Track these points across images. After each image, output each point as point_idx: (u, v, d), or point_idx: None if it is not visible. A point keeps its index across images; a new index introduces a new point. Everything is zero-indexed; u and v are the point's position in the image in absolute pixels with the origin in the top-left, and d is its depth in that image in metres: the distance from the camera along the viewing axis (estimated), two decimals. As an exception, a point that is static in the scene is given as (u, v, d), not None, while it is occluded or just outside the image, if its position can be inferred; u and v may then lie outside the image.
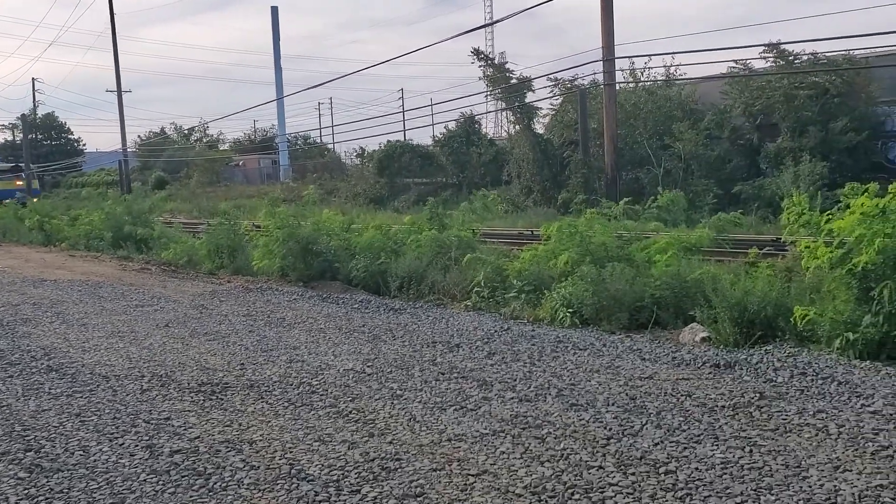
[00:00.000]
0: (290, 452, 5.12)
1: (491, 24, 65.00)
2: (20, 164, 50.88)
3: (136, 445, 5.37)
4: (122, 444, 5.42)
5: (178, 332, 9.35)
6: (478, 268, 10.97)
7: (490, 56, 28.04)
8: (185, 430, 5.67)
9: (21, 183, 47.08)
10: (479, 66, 27.00)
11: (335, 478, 4.67)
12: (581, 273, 9.35)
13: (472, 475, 4.62)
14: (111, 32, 44.80)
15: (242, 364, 7.62)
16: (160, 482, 4.72)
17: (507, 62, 27.76)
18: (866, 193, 7.16)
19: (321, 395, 6.45)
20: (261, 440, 5.39)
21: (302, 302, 11.35)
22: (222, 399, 6.44)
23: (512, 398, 6.11)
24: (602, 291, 8.88)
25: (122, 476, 4.84)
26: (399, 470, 4.75)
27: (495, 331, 8.75)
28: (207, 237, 16.37)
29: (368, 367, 7.30)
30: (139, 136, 72.70)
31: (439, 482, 4.55)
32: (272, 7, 59.60)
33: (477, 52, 26.79)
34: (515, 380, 6.65)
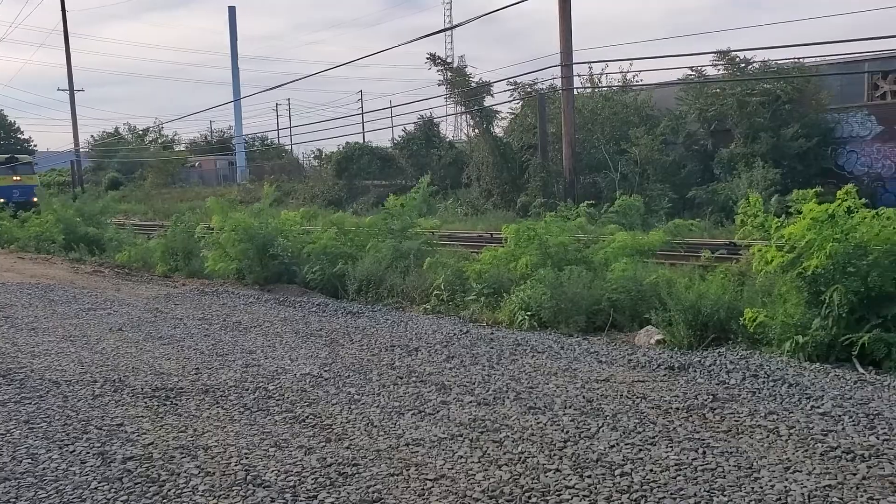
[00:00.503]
0: (246, 458, 5.06)
1: (452, 27, 65.15)
2: (16, 156, 42.71)
3: (88, 453, 5.26)
4: (73, 451, 5.30)
5: (131, 336, 9.18)
6: (437, 271, 10.98)
7: (448, 61, 28.03)
8: (138, 436, 5.57)
9: (13, 179, 38.38)
10: (437, 71, 27.03)
11: (291, 484, 4.63)
12: (539, 276, 9.42)
13: (430, 480, 4.61)
14: (63, 29, 43.94)
15: (197, 368, 7.51)
16: (112, 490, 4.62)
17: (466, 66, 27.80)
18: (814, 199, 7.33)
19: (277, 399, 6.38)
20: (216, 446, 5.31)
21: (258, 305, 11.24)
22: (177, 404, 6.34)
23: (470, 402, 6.12)
24: (560, 295, 8.95)
25: (73, 484, 4.73)
26: (356, 475, 4.72)
27: (454, 334, 8.76)
28: (162, 239, 16.12)
29: (326, 371, 7.25)
30: (92, 136, 71.26)
31: (397, 487, 4.54)
32: (229, 7, 59.05)
33: (433, 58, 26.77)
34: (474, 383, 6.66)
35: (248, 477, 4.74)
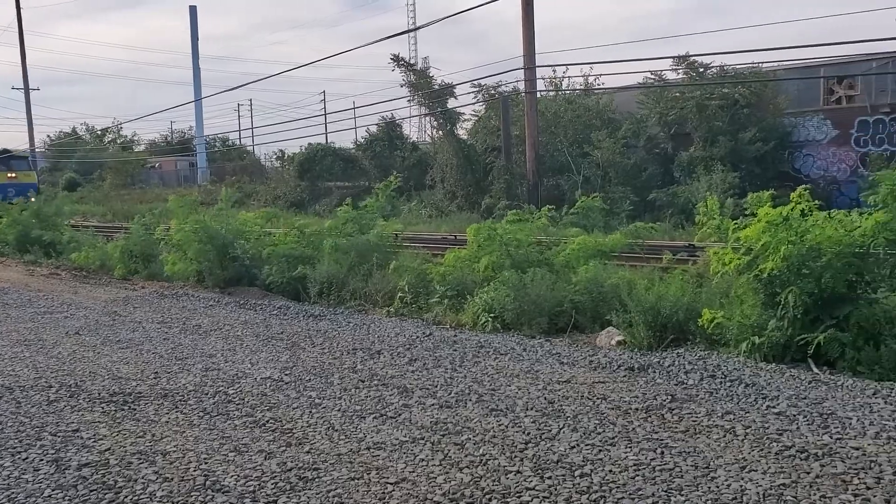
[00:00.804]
0: (206, 463, 5.00)
1: (415, 29, 65.13)
2: (10, 150, 37.61)
3: (42, 460, 5.16)
4: (26, 458, 5.19)
5: (88, 340, 9.03)
6: (401, 273, 10.96)
7: (411, 62, 28.01)
8: (94, 442, 5.47)
9: (9, 176, 33.66)
10: (401, 73, 27.00)
11: (251, 489, 4.58)
12: (503, 278, 9.46)
13: (391, 483, 4.61)
14: (18, 27, 43.08)
15: (156, 373, 7.41)
16: (66, 497, 4.54)
17: (429, 67, 27.83)
18: (769, 203, 7.46)
19: (238, 404, 6.32)
20: (175, 451, 5.24)
21: (218, 308, 11.12)
22: (135, 409, 6.25)
23: (432, 405, 6.13)
24: (523, 297, 8.99)
25: (26, 492, 4.63)
26: (317, 479, 4.69)
27: (417, 337, 8.76)
28: (121, 241, 15.89)
29: (287, 375, 7.20)
30: (49, 136, 69.87)
31: (357, 491, 4.52)
32: (191, 6, 58.14)
33: (397, 59, 26.73)
34: (436, 386, 6.66)
35: (208, 482, 4.69)
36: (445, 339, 8.62)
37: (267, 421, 5.85)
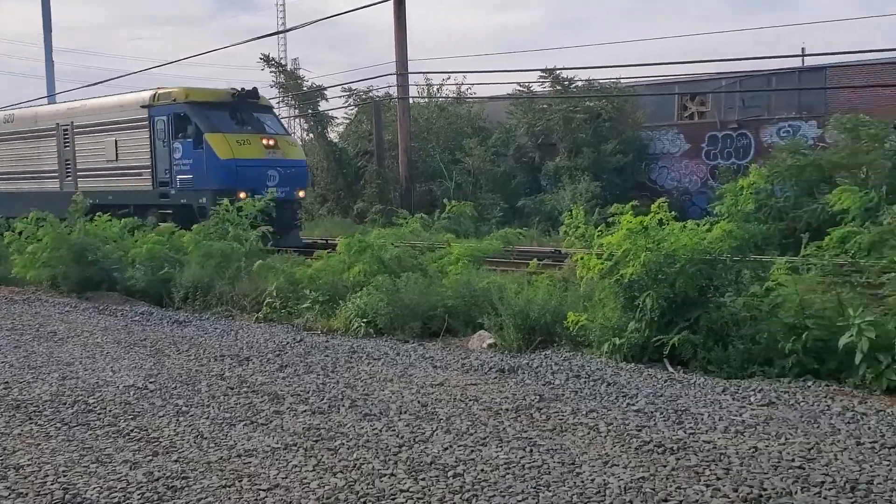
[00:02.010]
0: (65, 476, 4.76)
1: (287, 31, 63.84)
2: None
3: None
4: None
5: (-73, 350, 8.37)
6: (269, 277, 10.77)
7: (282, 63, 27.56)
8: (-64, 458, 5.09)
9: (267, 144, 17.17)
10: (270, 73, 26.54)
11: (116, 500, 4.40)
12: (376, 283, 9.47)
13: (263, 490, 4.54)
14: None
15: (6, 382, 6.96)
16: None
17: (299, 69, 27.45)
18: (630, 212, 7.87)
19: (99, 413, 6.04)
20: (29, 465, 4.96)
21: (76, 314, 10.56)
22: (-18, 422, 5.85)
23: (304, 411, 6.07)
24: (396, 301, 9.05)
25: None
26: (186, 488, 4.56)
27: (287, 342, 8.64)
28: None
29: (151, 382, 6.94)
30: None
31: (229, 499, 4.43)
32: (43, -6, 54.66)
33: (267, 59, 26.25)
34: (308, 392, 6.61)
35: (67, 496, 4.46)
36: (317, 344, 8.55)
37: (131, 430, 5.62)
